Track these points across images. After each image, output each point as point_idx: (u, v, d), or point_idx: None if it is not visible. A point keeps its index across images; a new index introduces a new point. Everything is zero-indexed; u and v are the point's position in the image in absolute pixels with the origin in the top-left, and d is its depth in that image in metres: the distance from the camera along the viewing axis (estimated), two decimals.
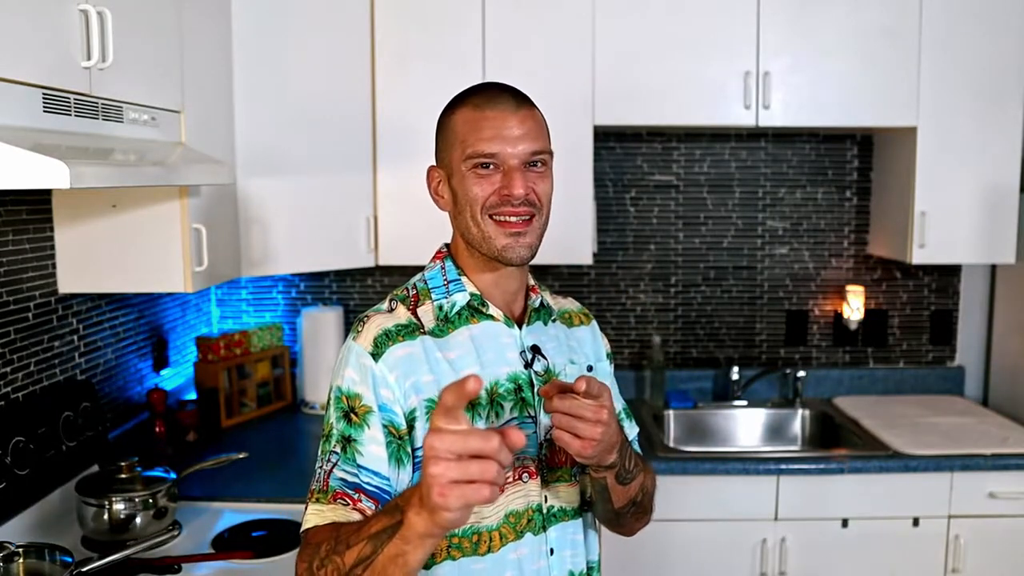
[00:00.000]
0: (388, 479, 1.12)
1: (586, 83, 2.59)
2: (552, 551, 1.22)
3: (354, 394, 1.14)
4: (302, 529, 1.11)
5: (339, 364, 1.18)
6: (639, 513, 1.32)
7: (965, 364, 3.13)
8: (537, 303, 1.29)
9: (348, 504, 1.09)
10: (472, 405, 1.16)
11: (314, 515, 1.10)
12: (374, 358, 1.14)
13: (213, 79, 2.18)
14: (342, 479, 1.11)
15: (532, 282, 1.31)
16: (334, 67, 2.53)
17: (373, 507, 1.09)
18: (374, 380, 1.14)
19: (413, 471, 1.15)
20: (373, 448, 1.12)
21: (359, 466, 1.11)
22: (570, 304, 1.40)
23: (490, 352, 1.20)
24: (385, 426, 1.13)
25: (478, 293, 1.22)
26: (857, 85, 2.62)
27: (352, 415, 1.13)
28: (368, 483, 1.11)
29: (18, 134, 1.31)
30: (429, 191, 1.25)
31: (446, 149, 1.21)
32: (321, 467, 1.14)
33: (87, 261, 2.03)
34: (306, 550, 1.06)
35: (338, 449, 1.13)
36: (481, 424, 1.16)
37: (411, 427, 1.14)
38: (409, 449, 1.14)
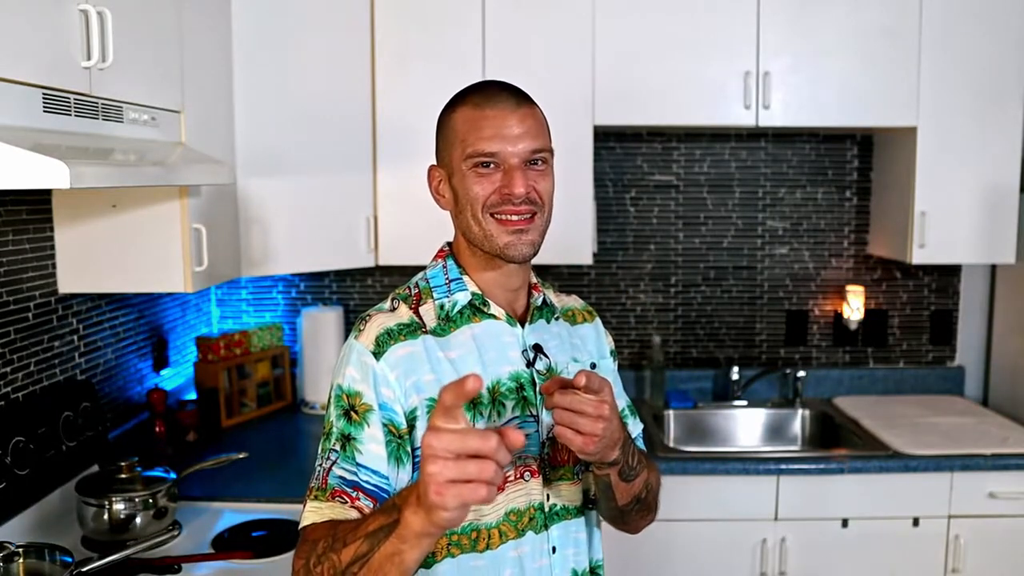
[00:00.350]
0: (387, 478, 1.12)
1: (586, 83, 2.59)
2: (554, 549, 1.22)
3: (355, 392, 1.14)
4: (300, 526, 1.11)
5: (340, 362, 1.18)
6: (643, 511, 1.32)
7: (965, 364, 3.13)
8: (539, 301, 1.28)
9: (346, 502, 1.09)
10: (473, 404, 1.16)
11: (312, 512, 1.10)
12: (375, 357, 1.14)
13: (213, 79, 2.18)
14: (341, 477, 1.11)
15: (535, 280, 1.30)
16: (334, 67, 2.53)
17: (371, 505, 1.10)
18: (375, 379, 1.14)
19: (413, 470, 1.15)
20: (372, 447, 1.12)
21: (358, 464, 1.12)
22: (573, 301, 1.40)
23: (492, 351, 1.20)
24: (385, 425, 1.13)
25: (479, 292, 1.22)
26: (857, 85, 2.62)
27: (352, 413, 1.13)
28: (367, 482, 1.11)
29: (18, 134, 1.31)
30: (430, 190, 1.25)
31: (446, 148, 1.21)
32: (320, 465, 1.14)
33: (87, 261, 2.03)
34: (303, 547, 1.07)
35: (337, 447, 1.13)
36: (482, 424, 1.16)
37: (412, 426, 1.14)
38: (409, 448, 1.14)
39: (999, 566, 2.48)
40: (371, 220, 2.64)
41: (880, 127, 2.75)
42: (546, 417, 1.21)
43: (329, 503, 1.10)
